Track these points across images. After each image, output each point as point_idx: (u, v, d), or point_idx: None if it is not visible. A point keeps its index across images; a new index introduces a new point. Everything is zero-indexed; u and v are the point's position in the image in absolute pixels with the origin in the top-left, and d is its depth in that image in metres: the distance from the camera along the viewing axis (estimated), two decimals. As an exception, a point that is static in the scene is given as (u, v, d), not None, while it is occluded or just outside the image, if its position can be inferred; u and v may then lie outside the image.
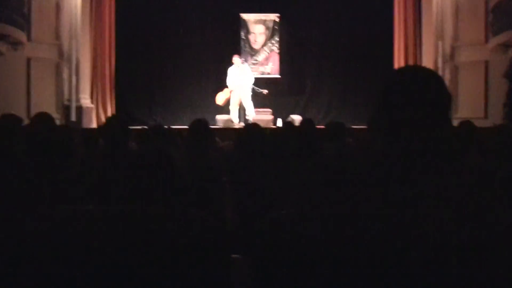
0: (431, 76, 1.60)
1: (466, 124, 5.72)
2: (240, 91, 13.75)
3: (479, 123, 12.45)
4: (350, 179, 1.68)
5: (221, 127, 13.00)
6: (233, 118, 13.62)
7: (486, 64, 13.33)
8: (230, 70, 13.87)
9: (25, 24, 12.44)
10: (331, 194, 1.70)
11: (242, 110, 13.99)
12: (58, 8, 13.73)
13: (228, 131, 11.46)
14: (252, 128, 4.51)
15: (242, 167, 4.33)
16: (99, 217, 1.94)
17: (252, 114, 13.65)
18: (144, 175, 2.04)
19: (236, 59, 14.01)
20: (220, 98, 13.93)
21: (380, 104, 1.59)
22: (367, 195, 1.52)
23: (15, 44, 12.23)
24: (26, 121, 12.36)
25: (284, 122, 7.50)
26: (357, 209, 1.54)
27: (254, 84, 13.91)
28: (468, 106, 13.64)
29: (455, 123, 13.43)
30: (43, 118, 4.12)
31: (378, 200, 1.49)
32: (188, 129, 4.64)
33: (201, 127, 4.50)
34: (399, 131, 1.54)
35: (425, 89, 1.54)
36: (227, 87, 13.82)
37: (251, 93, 13.71)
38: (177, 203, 2.04)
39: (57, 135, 3.49)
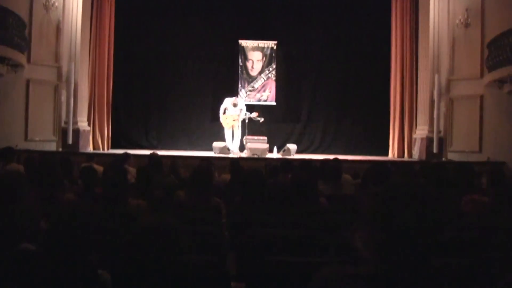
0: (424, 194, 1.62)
1: (465, 168, 5.69)
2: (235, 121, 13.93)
3: (473, 157, 12.68)
4: None
5: (217, 154, 13.06)
6: (229, 145, 13.66)
7: (481, 98, 13.44)
8: (227, 100, 13.99)
9: (25, 46, 12.48)
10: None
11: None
12: (58, 30, 13.79)
13: (224, 160, 11.44)
14: (247, 178, 4.61)
15: (240, 210, 4.41)
16: None
17: (236, 149, 13.71)
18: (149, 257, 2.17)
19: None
20: (227, 122, 13.93)
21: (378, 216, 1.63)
22: None
23: (15, 66, 12.28)
24: (22, 143, 12.37)
25: (282, 163, 7.56)
26: None
27: (248, 110, 13.97)
28: (462, 139, 13.75)
29: (450, 156, 13.60)
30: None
31: None
32: (192, 173, 4.73)
33: (204, 173, 4.59)
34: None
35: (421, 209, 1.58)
36: (224, 113, 13.86)
37: (246, 121, 13.71)
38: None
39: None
